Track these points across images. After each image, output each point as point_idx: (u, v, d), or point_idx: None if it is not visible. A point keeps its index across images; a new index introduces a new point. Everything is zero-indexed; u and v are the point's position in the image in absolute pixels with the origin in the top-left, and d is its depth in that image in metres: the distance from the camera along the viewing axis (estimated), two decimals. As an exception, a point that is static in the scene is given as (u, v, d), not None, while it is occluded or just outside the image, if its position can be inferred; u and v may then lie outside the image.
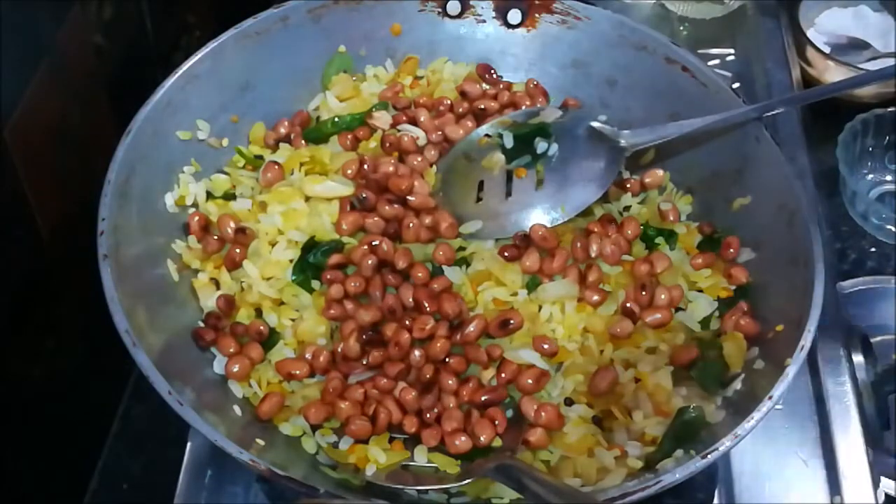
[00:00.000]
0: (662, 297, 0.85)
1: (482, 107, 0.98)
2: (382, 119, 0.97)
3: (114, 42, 1.06)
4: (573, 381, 0.82)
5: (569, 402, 0.81)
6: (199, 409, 0.73)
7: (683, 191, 0.97)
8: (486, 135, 0.94)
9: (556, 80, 1.03)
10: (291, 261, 0.86)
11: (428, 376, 0.80)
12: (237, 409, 0.80)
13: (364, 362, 0.81)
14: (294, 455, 0.78)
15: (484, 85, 1.01)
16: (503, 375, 0.81)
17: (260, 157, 0.95)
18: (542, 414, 0.78)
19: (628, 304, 0.84)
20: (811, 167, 1.11)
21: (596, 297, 0.85)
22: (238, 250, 0.86)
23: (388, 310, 0.83)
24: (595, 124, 0.93)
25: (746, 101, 0.91)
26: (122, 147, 0.85)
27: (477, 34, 1.04)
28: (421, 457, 0.78)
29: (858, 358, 0.96)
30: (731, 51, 1.28)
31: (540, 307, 0.85)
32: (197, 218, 0.88)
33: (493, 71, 1.03)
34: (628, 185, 0.96)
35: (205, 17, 1.28)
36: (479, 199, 0.92)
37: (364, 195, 0.88)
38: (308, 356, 0.82)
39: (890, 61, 1.19)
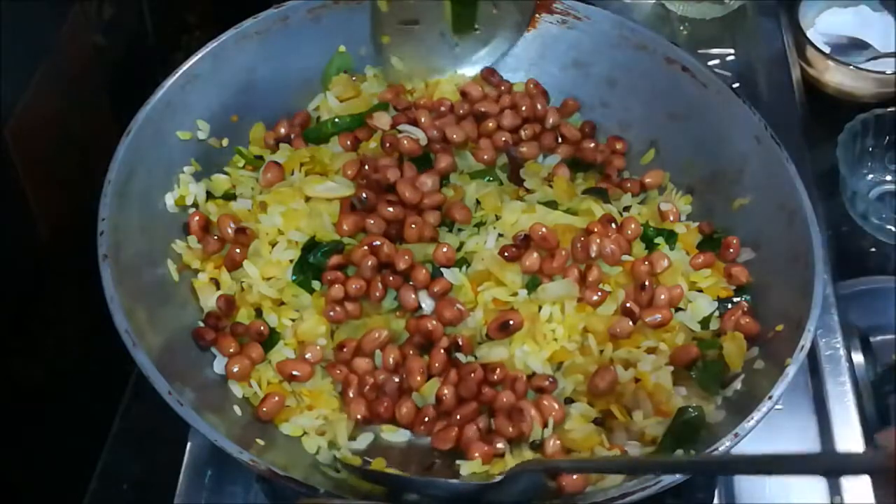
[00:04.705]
0: (662, 297, 0.85)
1: (483, 109, 0.98)
2: (382, 120, 0.97)
3: (114, 42, 1.06)
4: (573, 381, 0.82)
5: (569, 402, 0.81)
6: (199, 409, 0.73)
7: (683, 191, 0.97)
8: None
9: (556, 80, 1.03)
10: (291, 261, 0.86)
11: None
12: (237, 409, 0.80)
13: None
14: (294, 455, 0.78)
15: (483, 85, 1.01)
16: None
17: (260, 158, 0.95)
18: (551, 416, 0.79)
19: (628, 304, 0.84)
20: (811, 167, 1.10)
21: (596, 297, 0.85)
22: (238, 250, 0.86)
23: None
24: None
25: (746, 101, 0.92)
26: (122, 147, 0.85)
27: (477, 34, 1.04)
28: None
29: (858, 358, 0.96)
30: (731, 51, 1.28)
31: (540, 307, 0.84)
32: (197, 218, 0.88)
33: (497, 75, 1.02)
34: (628, 185, 0.96)
35: (205, 17, 1.28)
36: None
37: (365, 196, 0.88)
38: (308, 356, 0.83)
39: (890, 61, 1.19)
